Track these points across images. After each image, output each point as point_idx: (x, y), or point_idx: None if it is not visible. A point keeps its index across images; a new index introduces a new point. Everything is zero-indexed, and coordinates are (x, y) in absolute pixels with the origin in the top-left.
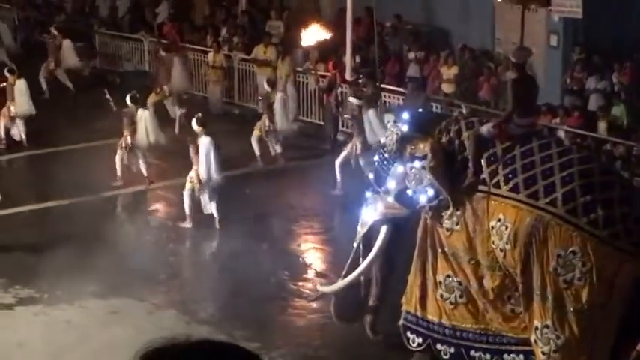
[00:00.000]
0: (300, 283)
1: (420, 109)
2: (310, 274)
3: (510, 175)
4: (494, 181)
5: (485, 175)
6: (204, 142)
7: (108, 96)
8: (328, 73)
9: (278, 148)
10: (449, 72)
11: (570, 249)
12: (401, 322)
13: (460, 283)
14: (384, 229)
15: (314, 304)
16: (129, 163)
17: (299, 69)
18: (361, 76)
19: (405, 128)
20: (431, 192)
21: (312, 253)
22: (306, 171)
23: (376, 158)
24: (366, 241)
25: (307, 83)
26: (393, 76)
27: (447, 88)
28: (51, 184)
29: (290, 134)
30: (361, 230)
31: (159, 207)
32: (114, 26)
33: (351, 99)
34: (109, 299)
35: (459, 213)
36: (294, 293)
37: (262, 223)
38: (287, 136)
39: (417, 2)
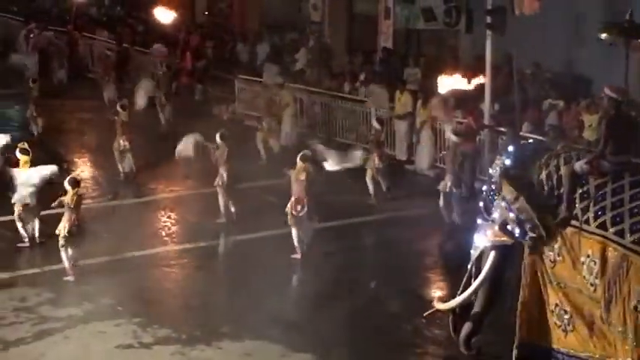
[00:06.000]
0: (437, 331)
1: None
2: (446, 320)
3: (600, 212)
4: (585, 217)
5: (577, 211)
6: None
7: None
8: (465, 120)
9: (384, 187)
10: (591, 119)
11: None
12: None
13: (566, 312)
14: (492, 255)
15: (450, 351)
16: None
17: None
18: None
19: (507, 162)
20: (526, 227)
21: (447, 300)
22: (443, 217)
23: (485, 188)
24: (478, 264)
25: (444, 130)
26: (531, 123)
27: (588, 135)
28: (177, 226)
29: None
30: (474, 253)
31: (284, 247)
32: (253, 72)
33: (450, 135)
34: (244, 340)
35: (557, 245)
36: (430, 340)
37: (396, 269)
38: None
39: (556, 50)
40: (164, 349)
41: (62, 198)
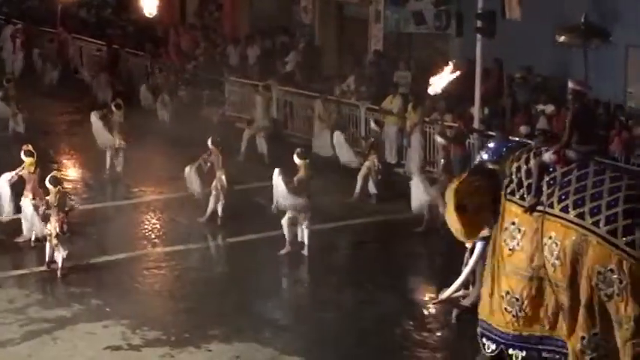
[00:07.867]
0: (426, 334)
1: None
2: (435, 324)
3: (563, 197)
4: (550, 201)
5: (543, 197)
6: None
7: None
8: (455, 124)
9: (373, 189)
10: None
11: (609, 267)
12: (478, 329)
13: (517, 300)
14: (478, 246)
15: (438, 355)
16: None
17: (427, 119)
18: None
19: (485, 156)
20: None
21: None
22: (431, 221)
23: None
24: (470, 255)
25: (434, 134)
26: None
27: None
28: (166, 228)
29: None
30: (468, 246)
31: (274, 249)
32: (243, 74)
33: (437, 138)
34: (233, 343)
35: (520, 234)
36: (419, 344)
37: (386, 273)
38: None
39: (547, 54)
40: (153, 351)
41: (47, 198)
